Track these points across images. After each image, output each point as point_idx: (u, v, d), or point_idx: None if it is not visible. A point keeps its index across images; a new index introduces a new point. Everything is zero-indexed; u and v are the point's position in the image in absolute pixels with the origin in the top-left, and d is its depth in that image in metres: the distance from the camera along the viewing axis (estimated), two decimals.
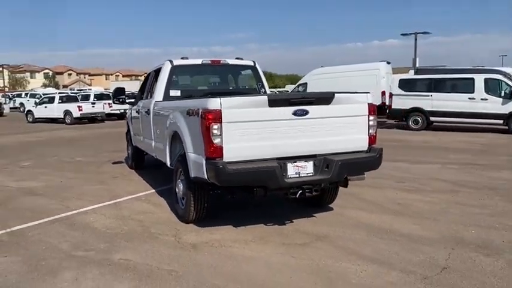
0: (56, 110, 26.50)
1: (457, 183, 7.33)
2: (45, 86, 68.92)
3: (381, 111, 18.42)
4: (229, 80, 7.54)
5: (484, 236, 4.75)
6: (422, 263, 4.04)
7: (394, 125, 18.20)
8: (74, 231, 5.08)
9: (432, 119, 16.02)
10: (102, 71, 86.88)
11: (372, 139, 5.01)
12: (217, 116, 4.28)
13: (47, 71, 78.48)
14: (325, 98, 4.74)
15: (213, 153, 4.33)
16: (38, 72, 77.32)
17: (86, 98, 28.89)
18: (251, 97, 4.76)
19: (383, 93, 18.59)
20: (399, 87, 16.62)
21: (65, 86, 72.89)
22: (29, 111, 28.08)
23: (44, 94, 35.98)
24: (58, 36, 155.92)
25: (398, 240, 4.66)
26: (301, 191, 4.66)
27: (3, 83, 61.94)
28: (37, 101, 30.22)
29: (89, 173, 8.89)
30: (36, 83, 70.62)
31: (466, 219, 5.35)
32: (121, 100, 8.13)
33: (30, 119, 27.58)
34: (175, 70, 6.76)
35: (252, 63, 7.25)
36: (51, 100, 27.34)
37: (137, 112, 7.90)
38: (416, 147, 11.99)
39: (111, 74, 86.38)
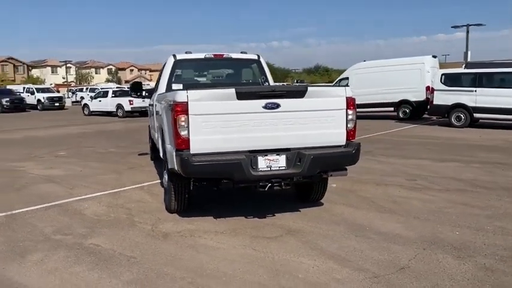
0: (109, 103, 27.78)
1: (471, 183, 6.95)
2: (107, 81, 72.37)
3: (425, 108, 17.74)
4: (232, 74, 7.60)
5: (467, 238, 4.51)
6: (382, 262, 3.91)
7: (436, 122, 17.41)
8: (64, 217, 5.39)
9: (476, 115, 15.15)
10: (160, 66, 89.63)
11: (350, 134, 4.89)
12: (184, 109, 4.36)
13: (110, 66, 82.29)
14: (298, 91, 4.68)
15: (181, 144, 4.43)
16: (103, 68, 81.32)
17: (105, 94, 29.81)
18: (219, 90, 4.79)
19: (427, 88, 17.85)
20: (442, 82, 15.86)
21: (126, 82, 75.99)
22: (85, 105, 29.69)
23: (102, 89, 37.72)
24: (123, 33, 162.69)
25: (371, 238, 4.52)
26: (270, 184, 4.64)
27: (66, 78, 65.62)
28: (92, 95, 31.82)
29: (110, 163, 9.31)
30: (100, 79, 74.35)
31: (458, 219, 5.09)
32: (138, 94, 8.42)
33: (86, 112, 29.12)
34: (178, 64, 6.92)
35: (256, 57, 7.26)
36: (105, 94, 28.69)
37: (150, 105, 8.18)
38: (448, 145, 11.43)
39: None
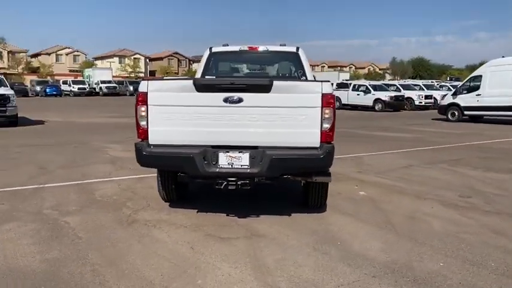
0: None
1: None
2: None
3: None
4: (268, 67, 7.33)
5: (448, 274, 3.68)
6: (307, 282, 3.44)
7: None
8: (75, 195, 5.88)
9: None
10: (310, 62, 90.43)
11: (326, 135, 4.35)
12: (144, 98, 4.40)
13: None
14: (262, 85, 4.33)
15: (141, 135, 4.48)
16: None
17: None
18: (178, 81, 4.68)
19: None
20: None
21: None
22: None
23: None
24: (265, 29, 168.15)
25: (329, 255, 4.00)
26: (225, 183, 4.41)
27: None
28: None
29: None
30: None
31: (467, 249, 4.18)
32: None
33: None
34: (213, 56, 6.95)
35: (294, 50, 6.87)
36: None
37: None
38: None
39: (317, 65, 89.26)
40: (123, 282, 3.37)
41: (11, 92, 15.76)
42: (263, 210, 5.19)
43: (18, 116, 15.48)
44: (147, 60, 79.44)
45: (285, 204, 5.47)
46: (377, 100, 27.26)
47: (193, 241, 4.25)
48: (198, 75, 6.88)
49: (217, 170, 4.39)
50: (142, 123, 4.43)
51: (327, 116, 4.30)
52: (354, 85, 29.31)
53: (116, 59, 72.01)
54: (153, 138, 4.44)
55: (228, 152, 4.41)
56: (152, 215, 5.02)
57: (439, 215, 5.25)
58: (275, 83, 4.28)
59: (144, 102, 4.39)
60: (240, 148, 4.40)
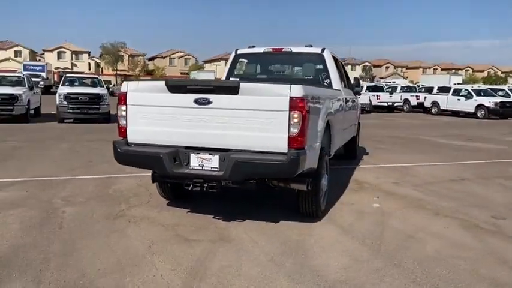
0: None
1: None
2: (360, 78, 73.68)
3: None
4: (292, 68, 7.11)
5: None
6: (217, 286, 3.32)
7: None
8: (94, 187, 6.28)
9: None
10: (421, 64, 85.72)
11: (295, 140, 4.12)
12: (123, 98, 4.58)
13: (366, 63, 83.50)
14: (228, 87, 4.24)
15: (121, 133, 4.66)
16: (358, 64, 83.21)
17: None
18: (154, 82, 4.73)
19: None
20: None
21: (381, 78, 75.83)
22: None
23: None
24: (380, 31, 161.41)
25: (278, 266, 3.80)
26: (191, 185, 4.39)
27: None
28: None
29: None
30: (354, 75, 76.39)
31: (449, 274, 3.70)
32: None
33: None
34: (238, 58, 6.98)
35: (318, 51, 6.61)
36: None
37: None
38: None
39: (429, 68, 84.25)
40: (59, 272, 3.53)
41: (105, 91, 17.33)
42: (254, 215, 5.08)
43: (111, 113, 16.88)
44: None
45: (283, 211, 5.24)
46: (479, 106, 24.95)
47: (157, 240, 4.30)
48: (224, 76, 6.94)
49: (187, 171, 4.39)
50: (122, 122, 4.60)
51: (295, 120, 4.07)
52: (455, 89, 27.13)
53: (222, 62, 75.12)
54: (131, 137, 4.59)
55: (199, 153, 4.39)
56: (142, 212, 5.18)
57: (445, 236, 4.68)
58: (242, 84, 4.17)
59: (124, 102, 4.56)
60: (211, 150, 4.36)
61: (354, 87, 7.98)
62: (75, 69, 67.46)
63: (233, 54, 7.02)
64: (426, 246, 4.38)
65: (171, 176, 4.51)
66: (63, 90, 16.39)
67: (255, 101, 4.16)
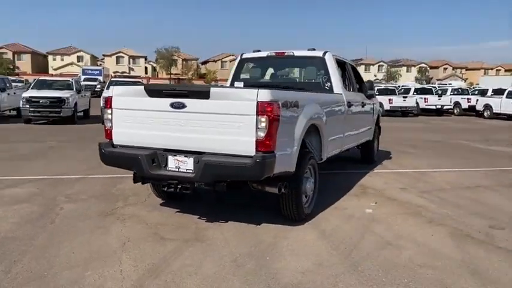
0: None
1: None
2: (416, 79, 71.47)
3: None
4: (295, 72, 7.12)
5: None
6: (167, 284, 3.46)
7: None
8: (100, 186, 6.62)
9: None
10: (482, 65, 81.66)
11: (263, 144, 4.18)
12: (109, 102, 4.85)
13: (423, 65, 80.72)
14: (200, 92, 4.38)
15: (107, 135, 4.94)
16: (414, 66, 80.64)
17: (406, 92, 29.36)
18: (134, 86, 4.94)
19: None
20: None
21: (439, 80, 73.11)
22: None
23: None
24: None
25: (239, 267, 3.88)
26: (167, 186, 4.57)
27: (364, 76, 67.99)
28: None
29: None
30: (409, 77, 74.19)
31: (400, 283, 3.65)
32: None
33: None
34: (243, 62, 7.12)
35: (320, 55, 6.59)
36: None
37: None
38: None
39: (491, 69, 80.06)
40: (30, 264, 3.80)
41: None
42: (240, 216, 5.18)
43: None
44: None
45: (272, 214, 5.25)
46: None
47: (134, 238, 4.51)
48: (229, 81, 7.10)
49: (164, 172, 4.58)
50: (108, 124, 4.87)
51: (262, 124, 4.14)
52: (509, 91, 25.66)
53: None
54: (116, 139, 4.85)
55: (175, 156, 4.56)
56: (134, 210, 5.42)
57: (426, 244, 4.56)
58: (212, 89, 4.29)
59: (110, 105, 4.82)
60: (186, 153, 4.51)
61: (367, 91, 7.86)
62: (132, 73, 70.43)
63: (238, 58, 7.16)
64: (401, 254, 4.28)
65: (149, 177, 4.71)
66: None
67: (225, 105, 4.27)
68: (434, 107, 27.82)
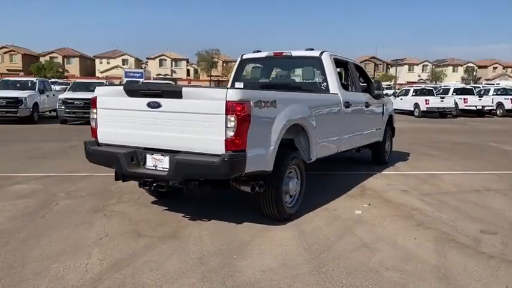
0: (408, 102, 27.43)
1: None
2: (462, 79, 68.89)
3: None
4: (293, 72, 7.07)
5: None
6: (124, 279, 3.56)
7: None
8: (101, 184, 6.83)
9: None
10: None
11: (233, 143, 4.21)
12: (94, 102, 5.04)
13: (470, 64, 77.67)
14: (173, 91, 4.46)
15: (93, 134, 5.13)
16: (461, 65, 77.73)
17: (445, 92, 28.48)
18: (115, 87, 5.07)
19: None
20: None
21: (487, 80, 70.19)
22: None
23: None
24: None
25: (203, 264, 3.94)
26: (143, 183, 4.70)
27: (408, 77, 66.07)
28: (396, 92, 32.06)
29: None
30: (455, 77, 71.61)
31: (359, 285, 3.59)
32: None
33: None
34: (243, 63, 7.17)
35: (317, 55, 6.53)
36: (406, 93, 28.48)
37: None
38: None
39: None
40: (6, 255, 3.99)
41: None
42: (226, 215, 5.23)
43: None
44: None
45: (261, 213, 5.19)
46: None
47: (112, 234, 4.65)
48: (230, 81, 7.18)
49: (141, 170, 4.70)
50: (93, 124, 5.05)
51: (231, 123, 4.17)
52: None
53: None
54: (101, 138, 5.03)
55: (153, 154, 4.67)
56: (124, 207, 5.59)
57: (404, 247, 4.44)
58: (184, 89, 4.37)
59: (95, 105, 5.00)
60: (163, 151, 4.62)
61: (373, 91, 7.71)
62: (174, 75, 72.06)
63: (239, 59, 7.21)
64: (373, 256, 4.20)
65: (128, 175, 4.84)
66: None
67: (197, 105, 4.33)
68: (474, 108, 26.70)
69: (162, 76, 67.56)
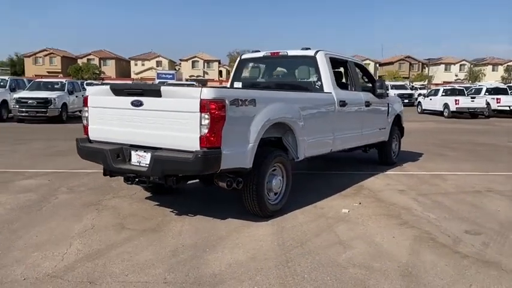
0: (438, 102, 26.84)
1: None
2: (502, 79, 66.54)
3: None
4: (289, 72, 7.11)
5: None
6: (95, 267, 3.76)
7: None
8: (103, 180, 7.03)
9: None
10: None
11: (207, 140, 4.34)
12: (86, 101, 5.30)
13: (511, 63, 74.78)
14: (152, 90, 4.64)
15: (85, 131, 5.38)
16: (501, 64, 74.97)
17: (477, 92, 27.69)
18: (103, 86, 5.28)
19: None
20: None
21: None
22: (419, 103, 29.76)
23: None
24: None
25: (176, 256, 4.10)
26: (126, 178, 4.90)
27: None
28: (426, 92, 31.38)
29: None
30: (494, 76, 69.21)
31: (323, 282, 3.66)
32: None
33: (419, 110, 29.17)
34: (242, 63, 7.31)
35: (311, 54, 6.58)
36: (435, 93, 27.87)
37: None
38: None
39: None
40: None
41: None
42: (213, 211, 5.35)
43: None
44: (377, 65, 79.04)
45: (244, 212, 5.29)
46: None
47: (98, 226, 4.87)
48: (230, 81, 7.33)
49: (126, 166, 4.90)
50: (85, 121, 5.30)
51: (206, 121, 4.30)
52: None
53: None
54: (91, 135, 5.27)
55: (137, 151, 4.87)
56: (117, 202, 5.82)
57: (379, 245, 4.46)
58: (163, 88, 4.54)
59: (86, 104, 5.25)
60: (146, 148, 4.80)
61: (376, 90, 7.68)
62: (206, 76, 72.94)
63: (238, 59, 7.34)
64: (344, 253, 4.23)
65: (113, 170, 5.05)
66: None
67: (174, 103, 4.49)
68: (508, 108, 25.78)
69: (194, 77, 68.48)
